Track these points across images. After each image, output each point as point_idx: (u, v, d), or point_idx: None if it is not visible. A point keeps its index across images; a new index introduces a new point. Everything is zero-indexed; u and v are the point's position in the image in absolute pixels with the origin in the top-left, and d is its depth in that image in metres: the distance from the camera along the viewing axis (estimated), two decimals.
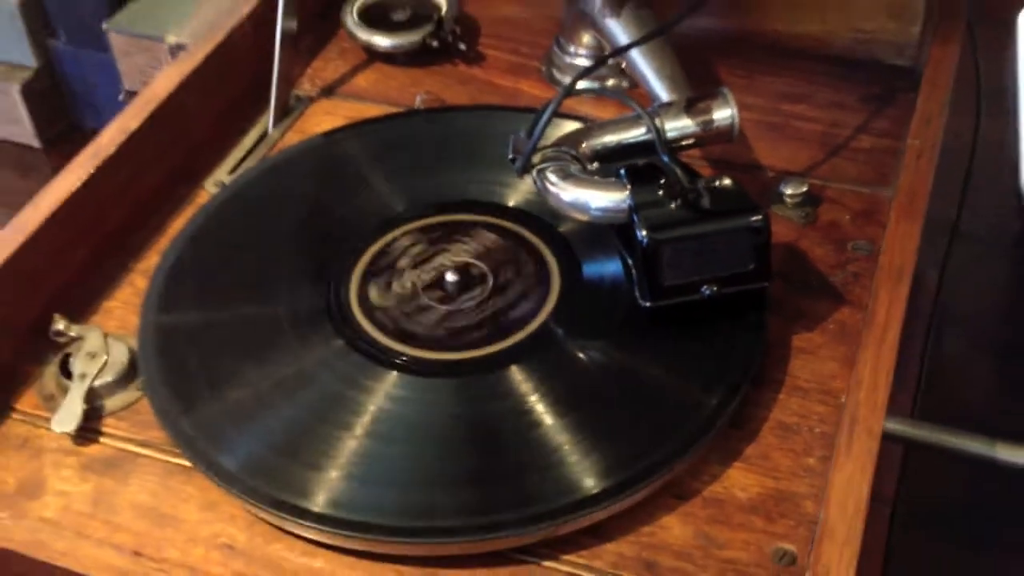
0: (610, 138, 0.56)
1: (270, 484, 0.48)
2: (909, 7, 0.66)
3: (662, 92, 0.59)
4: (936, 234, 0.85)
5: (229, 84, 0.68)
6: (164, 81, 0.64)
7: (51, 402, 0.54)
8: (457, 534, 0.47)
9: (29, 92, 0.99)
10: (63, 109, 1.02)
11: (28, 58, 0.98)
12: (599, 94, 0.67)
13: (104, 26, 0.92)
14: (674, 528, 0.48)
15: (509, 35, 0.74)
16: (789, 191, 0.61)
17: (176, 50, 0.89)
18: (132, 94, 0.94)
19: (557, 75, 0.70)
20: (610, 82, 0.68)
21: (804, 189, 0.61)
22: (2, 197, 0.98)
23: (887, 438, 0.53)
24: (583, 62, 0.69)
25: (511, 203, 0.60)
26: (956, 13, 0.64)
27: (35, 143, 1.02)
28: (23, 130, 1.00)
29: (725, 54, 0.70)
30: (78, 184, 0.58)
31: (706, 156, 0.64)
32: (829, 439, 0.50)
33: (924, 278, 0.81)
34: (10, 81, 0.98)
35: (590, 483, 0.48)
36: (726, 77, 0.69)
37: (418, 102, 0.69)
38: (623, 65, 0.65)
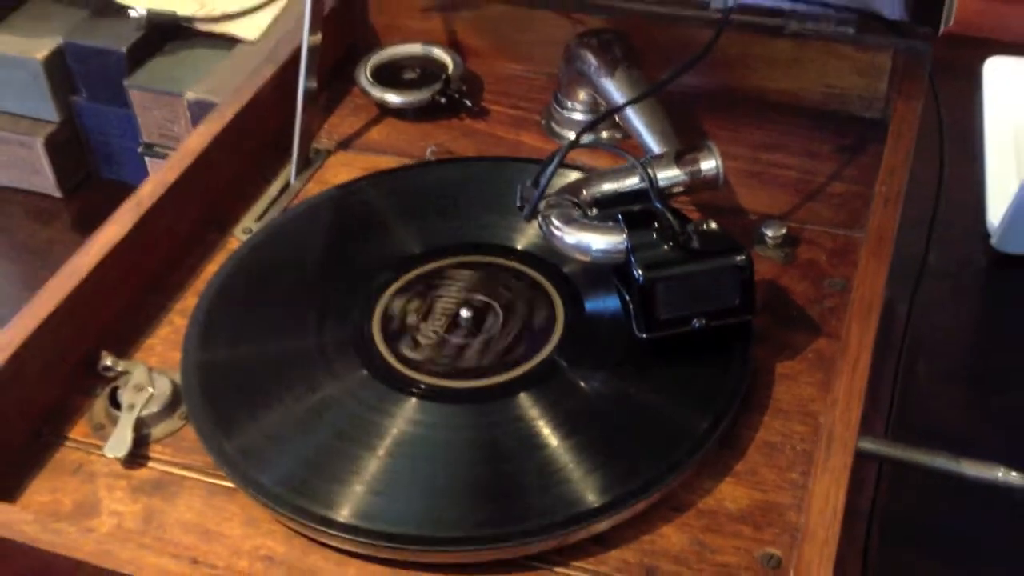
0: (608, 186, 0.62)
1: (304, 500, 0.53)
2: (876, 65, 0.73)
3: (654, 144, 0.65)
4: (907, 270, 0.91)
5: (255, 139, 0.73)
6: (197, 138, 0.69)
7: (101, 431, 0.59)
8: (474, 543, 0.52)
9: (51, 145, 1.04)
10: (82, 160, 1.07)
11: (51, 113, 1.03)
12: (596, 146, 0.73)
13: (125, 83, 0.97)
14: (672, 536, 0.53)
15: (510, 91, 0.80)
16: (770, 233, 0.67)
17: (195, 105, 0.94)
18: (150, 145, 1.00)
19: (556, 128, 0.76)
20: (604, 134, 0.74)
21: (784, 231, 0.67)
22: (27, 243, 1.03)
23: (862, 456, 0.59)
24: (580, 116, 0.75)
25: (519, 246, 0.66)
26: (918, 70, 0.71)
27: (56, 193, 1.07)
28: (45, 180, 1.06)
29: (710, 109, 0.77)
30: (123, 233, 0.63)
31: (694, 201, 0.70)
32: (809, 456, 0.56)
33: (896, 312, 0.87)
34: (34, 135, 1.03)
35: (592, 497, 0.53)
36: (711, 130, 0.75)
37: (429, 154, 0.75)
38: (617, 119, 0.71)
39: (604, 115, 0.68)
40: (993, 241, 0.93)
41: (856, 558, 0.69)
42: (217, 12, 1.00)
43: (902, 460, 0.61)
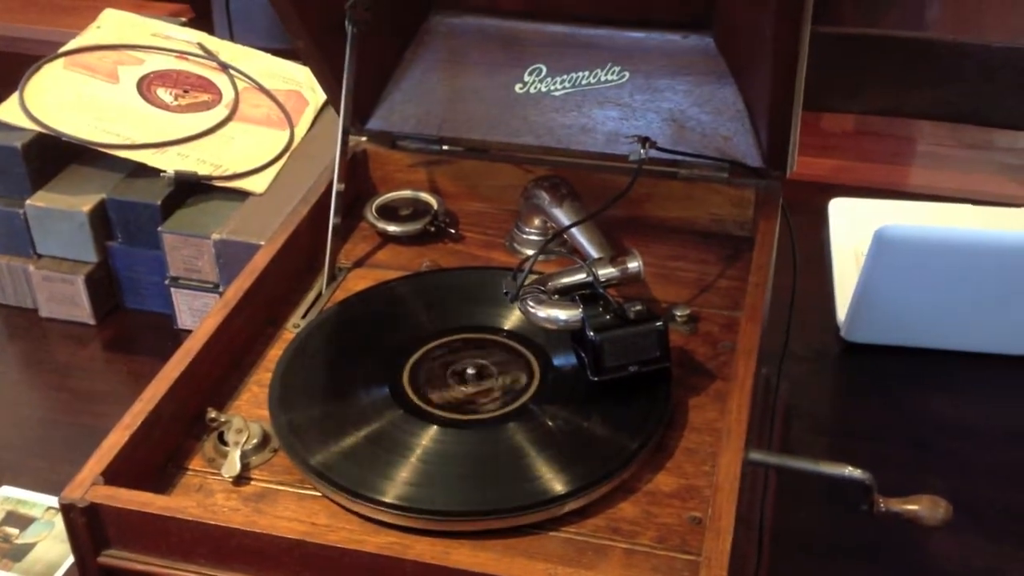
0: (563, 280, 0.88)
1: (362, 489, 0.76)
2: (744, 198, 1.01)
3: (593, 252, 0.92)
4: (785, 360, 1.19)
5: (295, 260, 0.98)
6: (260, 258, 0.94)
7: (213, 463, 0.81)
8: (475, 515, 0.75)
9: (89, 282, 1.26)
10: (111, 293, 1.30)
11: (91, 255, 1.26)
12: (555, 255, 0.99)
13: (159, 229, 1.21)
14: (627, 508, 0.78)
15: (479, 223, 1.06)
16: (679, 313, 0.93)
17: (219, 243, 1.18)
18: (175, 278, 1.23)
19: (517, 247, 1.02)
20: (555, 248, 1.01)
21: (688, 312, 0.93)
22: (69, 361, 1.25)
23: (752, 464, 0.85)
24: (535, 237, 1.01)
25: (502, 325, 0.91)
26: (773, 204, 0.99)
27: (90, 321, 1.29)
28: (82, 311, 1.27)
29: (628, 231, 1.03)
30: (218, 323, 0.86)
31: (622, 294, 0.96)
32: (715, 456, 0.81)
33: (779, 389, 1.14)
34: (76, 274, 1.25)
35: (559, 488, 0.77)
36: (631, 244, 1.02)
37: (423, 267, 1.01)
38: (565, 236, 0.98)
39: (560, 231, 0.95)
40: (842, 332, 1.22)
41: (750, 564, 0.94)
42: (230, 172, 1.26)
43: (779, 466, 0.87)
